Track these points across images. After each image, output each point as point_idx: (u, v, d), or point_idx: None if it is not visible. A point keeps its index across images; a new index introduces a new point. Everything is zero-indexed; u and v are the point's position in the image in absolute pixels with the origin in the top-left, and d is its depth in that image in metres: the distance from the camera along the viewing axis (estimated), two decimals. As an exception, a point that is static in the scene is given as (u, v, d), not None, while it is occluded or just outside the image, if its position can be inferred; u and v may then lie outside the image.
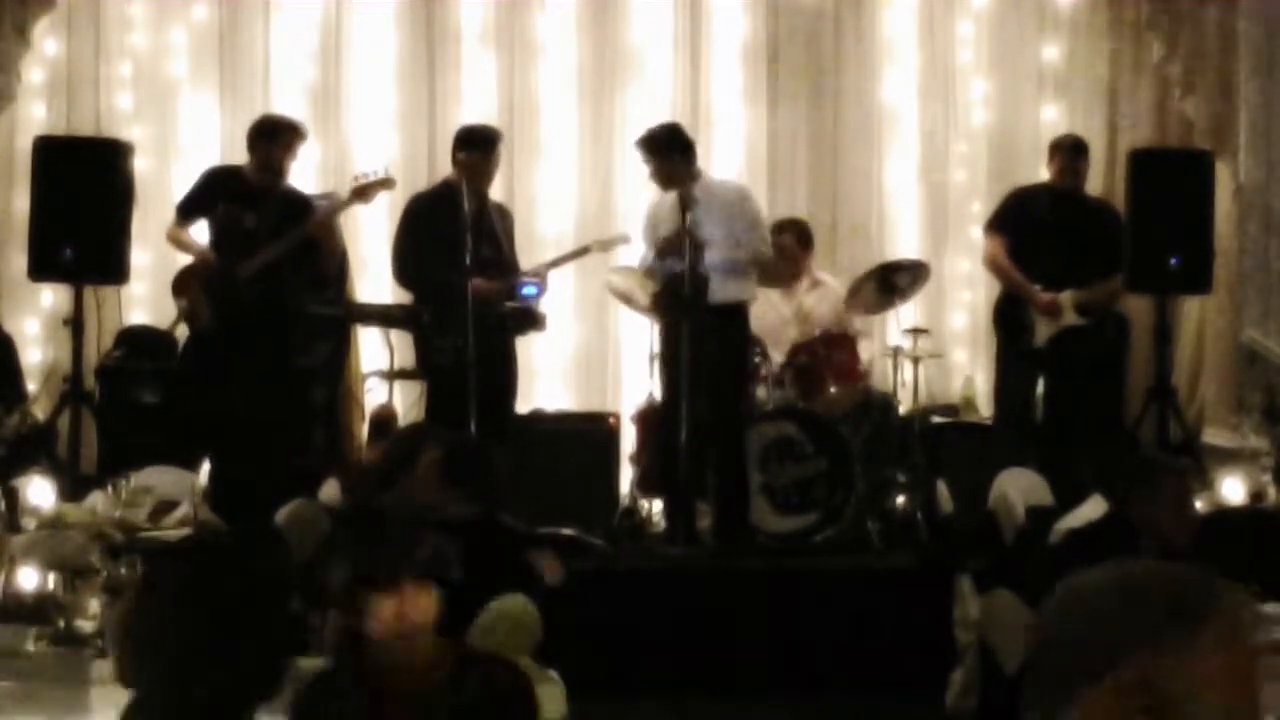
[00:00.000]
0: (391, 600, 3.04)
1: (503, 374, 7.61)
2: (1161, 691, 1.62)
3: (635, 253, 7.90)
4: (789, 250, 8.32)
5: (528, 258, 8.07)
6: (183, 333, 7.92)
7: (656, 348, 7.68)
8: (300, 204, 7.74)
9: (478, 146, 7.56)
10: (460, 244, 7.28)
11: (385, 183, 7.66)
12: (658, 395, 7.68)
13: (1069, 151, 8.14)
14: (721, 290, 7.27)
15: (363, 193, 7.63)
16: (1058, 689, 1.67)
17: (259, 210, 7.56)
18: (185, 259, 7.82)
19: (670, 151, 7.32)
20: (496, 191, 8.06)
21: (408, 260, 7.66)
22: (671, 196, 7.36)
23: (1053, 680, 1.68)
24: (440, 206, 7.46)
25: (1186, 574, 1.72)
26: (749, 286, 7.49)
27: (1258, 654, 1.67)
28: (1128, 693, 1.62)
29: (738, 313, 7.41)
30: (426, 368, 7.78)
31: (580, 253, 8.12)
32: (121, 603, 2.64)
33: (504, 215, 7.85)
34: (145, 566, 2.66)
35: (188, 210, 7.72)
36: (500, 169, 8.87)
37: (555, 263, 8.05)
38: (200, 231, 7.76)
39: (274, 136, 7.60)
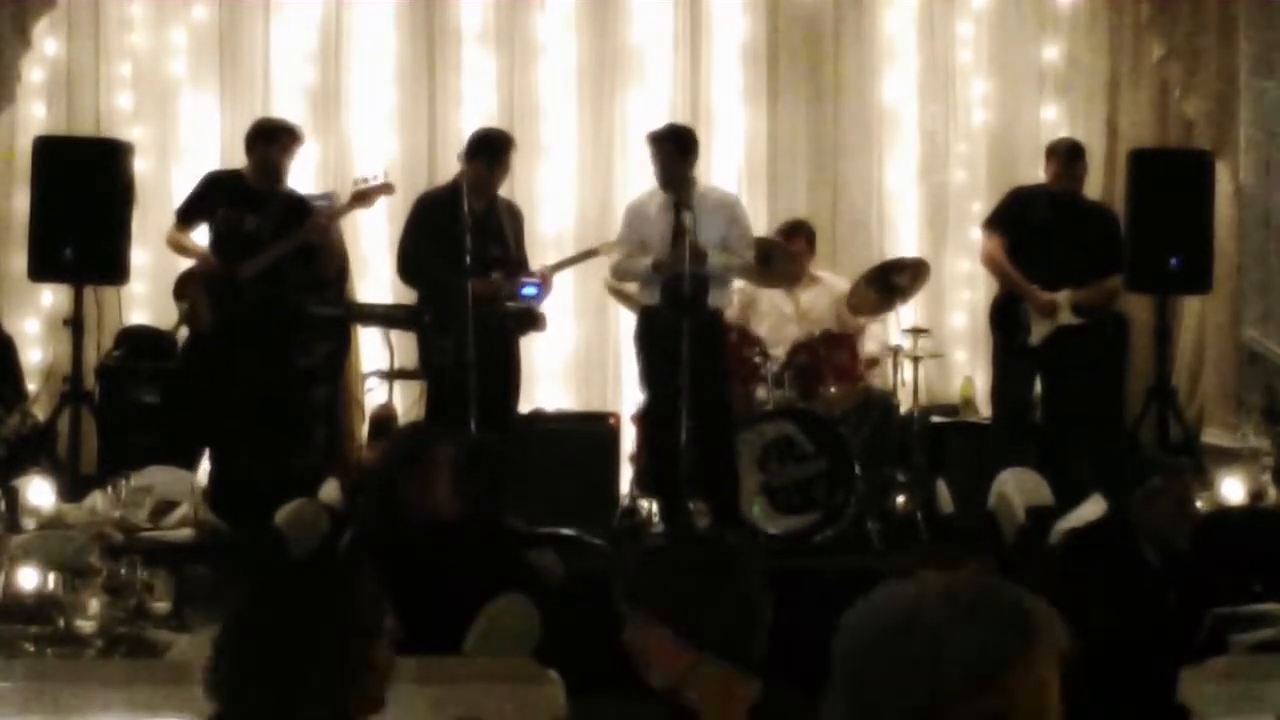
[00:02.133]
0: None
1: (505, 374, 7.61)
2: (1013, 708, 1.58)
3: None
4: (801, 252, 8.39)
5: (529, 258, 8.06)
6: (184, 334, 7.92)
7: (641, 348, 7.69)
8: (300, 207, 7.74)
9: (485, 154, 7.53)
10: (461, 244, 7.28)
11: (385, 188, 7.66)
12: (641, 397, 7.73)
13: (1065, 156, 8.14)
14: (709, 295, 7.37)
15: (363, 197, 7.63)
16: (897, 714, 1.59)
17: (259, 213, 7.56)
18: (184, 260, 7.82)
19: (686, 154, 7.36)
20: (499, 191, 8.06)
21: (411, 258, 7.67)
22: (658, 197, 7.40)
23: (889, 706, 1.59)
24: (446, 206, 7.45)
25: (1008, 588, 1.66)
26: (729, 294, 7.70)
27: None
28: (982, 713, 1.57)
29: (721, 317, 7.59)
30: (428, 368, 7.78)
31: (586, 255, 8.12)
32: (222, 617, 2.63)
33: (513, 213, 7.84)
34: (252, 586, 2.64)
35: (187, 214, 7.72)
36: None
37: (560, 265, 8.06)
38: (200, 235, 7.75)
39: (271, 139, 7.61)
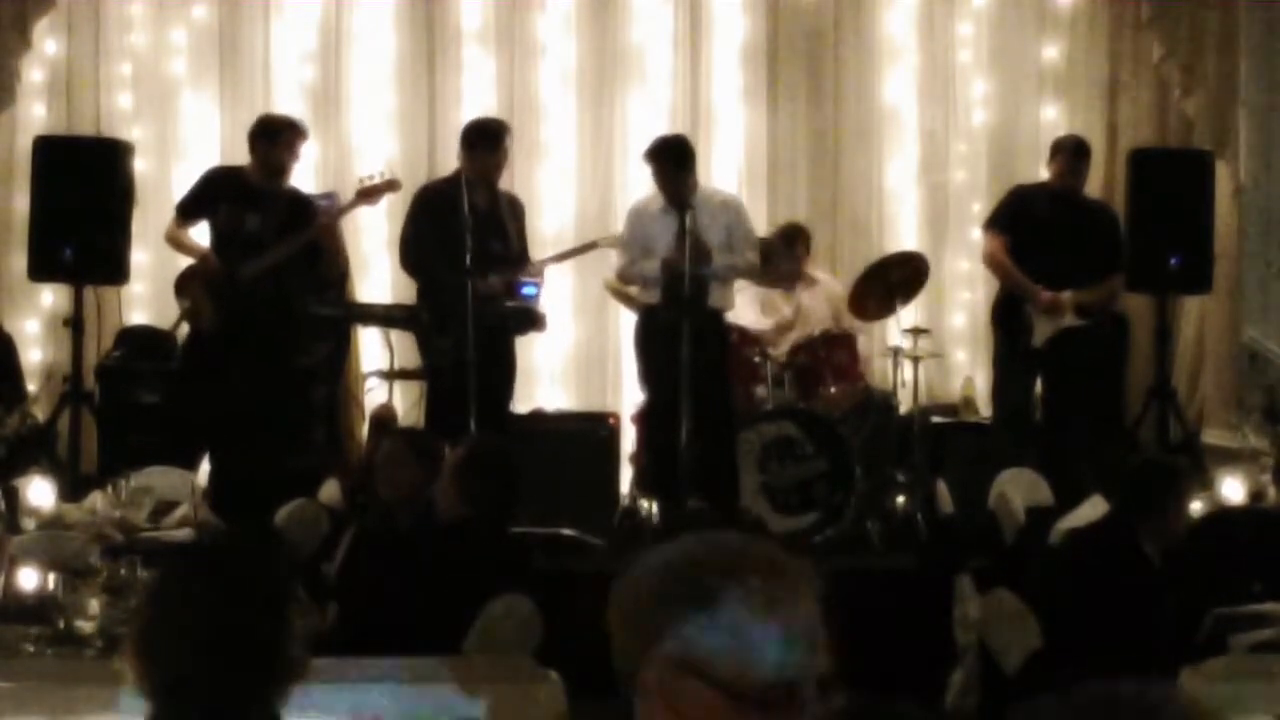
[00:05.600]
0: None
1: (500, 373, 7.59)
2: (696, 663, 1.76)
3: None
4: (800, 255, 8.44)
5: (531, 253, 8.05)
6: (184, 333, 7.92)
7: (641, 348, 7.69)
8: (303, 206, 7.73)
9: (482, 142, 7.52)
10: (461, 241, 7.27)
11: (391, 184, 7.63)
12: (641, 396, 7.72)
13: (1071, 152, 8.13)
14: (711, 297, 7.36)
15: (368, 195, 7.61)
16: (622, 665, 1.83)
17: (261, 212, 7.52)
18: (184, 258, 7.81)
19: (683, 166, 7.33)
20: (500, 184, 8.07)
21: (411, 249, 7.65)
22: (660, 200, 7.39)
23: (619, 656, 1.84)
24: (447, 199, 7.43)
25: (711, 547, 1.84)
26: (731, 294, 7.68)
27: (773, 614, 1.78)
28: (669, 667, 1.77)
29: (722, 318, 7.58)
30: (427, 367, 7.78)
31: (586, 248, 8.09)
32: (132, 613, 2.64)
33: (515, 207, 7.79)
34: (149, 575, 2.67)
35: (187, 210, 7.68)
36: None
37: (559, 257, 8.05)
38: (199, 232, 7.73)
39: (274, 136, 7.57)
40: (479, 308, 7.27)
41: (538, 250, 8.32)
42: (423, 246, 7.55)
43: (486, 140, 7.52)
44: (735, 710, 1.76)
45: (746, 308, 8.28)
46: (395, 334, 8.40)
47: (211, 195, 7.61)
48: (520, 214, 7.82)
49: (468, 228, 7.26)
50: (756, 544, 1.88)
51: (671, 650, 1.77)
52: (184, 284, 7.73)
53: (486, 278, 7.40)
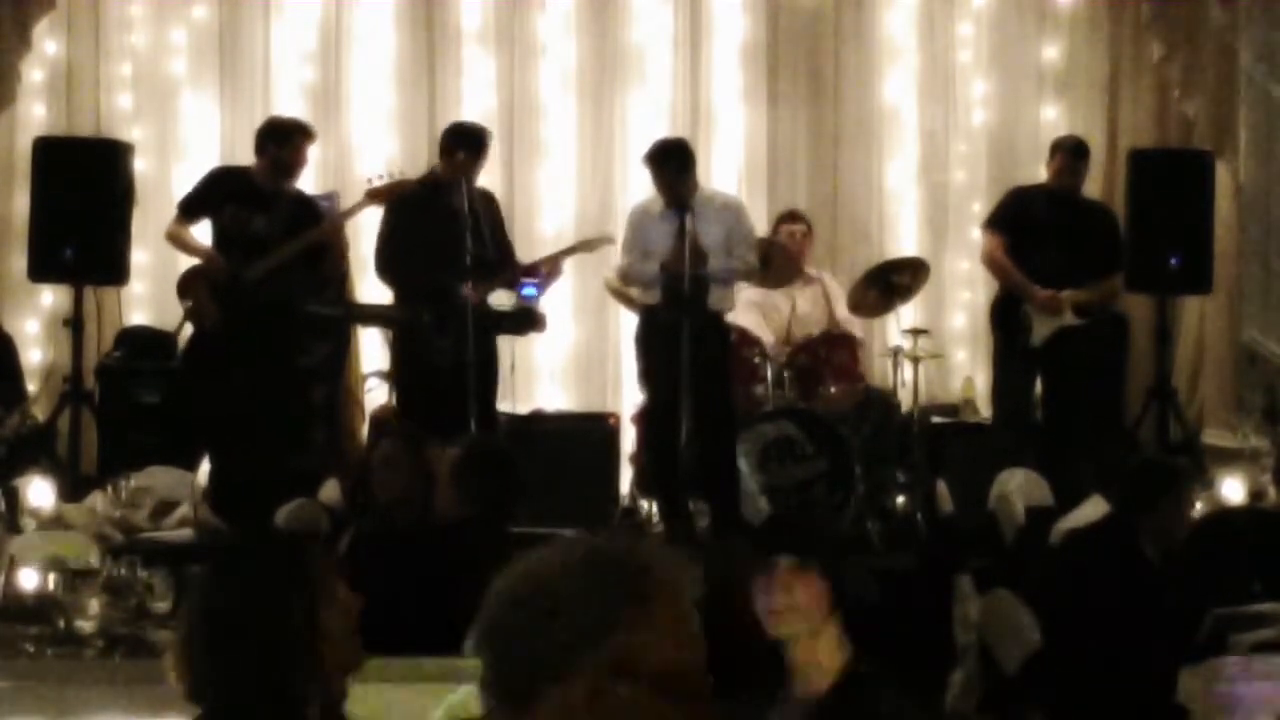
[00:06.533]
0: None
1: (484, 374, 7.53)
2: (634, 664, 1.73)
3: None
4: (798, 243, 8.43)
5: (528, 257, 8.03)
6: (186, 334, 7.90)
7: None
8: (309, 207, 7.73)
9: (467, 147, 7.45)
10: (447, 242, 7.25)
11: (401, 184, 7.54)
12: (641, 396, 7.72)
13: (1071, 153, 8.13)
14: (712, 298, 7.35)
15: (377, 195, 7.56)
16: (518, 686, 1.75)
17: (268, 213, 7.51)
18: (185, 258, 7.80)
19: (683, 169, 7.31)
20: (498, 191, 8.05)
21: (386, 255, 7.57)
22: (660, 202, 7.37)
23: (512, 677, 1.76)
24: (422, 202, 7.40)
25: (628, 549, 1.82)
26: (731, 296, 7.66)
27: (690, 606, 1.79)
28: (603, 675, 1.72)
29: (722, 318, 7.56)
30: (399, 369, 7.72)
31: (566, 253, 8.03)
32: (179, 619, 2.67)
33: (489, 203, 7.69)
34: (193, 584, 2.70)
35: (191, 209, 7.65)
36: (500, 169, 8.86)
37: (548, 261, 7.94)
38: (200, 232, 7.72)
39: (285, 139, 7.54)
40: (462, 311, 7.25)
41: (534, 251, 8.30)
42: (397, 251, 7.51)
43: (470, 145, 7.42)
44: (673, 710, 1.76)
45: (745, 312, 8.27)
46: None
47: (217, 195, 7.58)
48: (495, 209, 7.72)
49: (468, 226, 7.25)
50: (644, 541, 1.94)
51: (608, 653, 1.73)
52: (187, 285, 7.71)
53: (469, 284, 7.36)
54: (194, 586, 2.71)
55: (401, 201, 7.51)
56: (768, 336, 8.24)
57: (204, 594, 2.61)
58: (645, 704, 1.73)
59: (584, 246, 8.01)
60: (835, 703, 3.10)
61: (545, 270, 7.84)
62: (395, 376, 7.85)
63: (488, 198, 7.72)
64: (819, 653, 3.18)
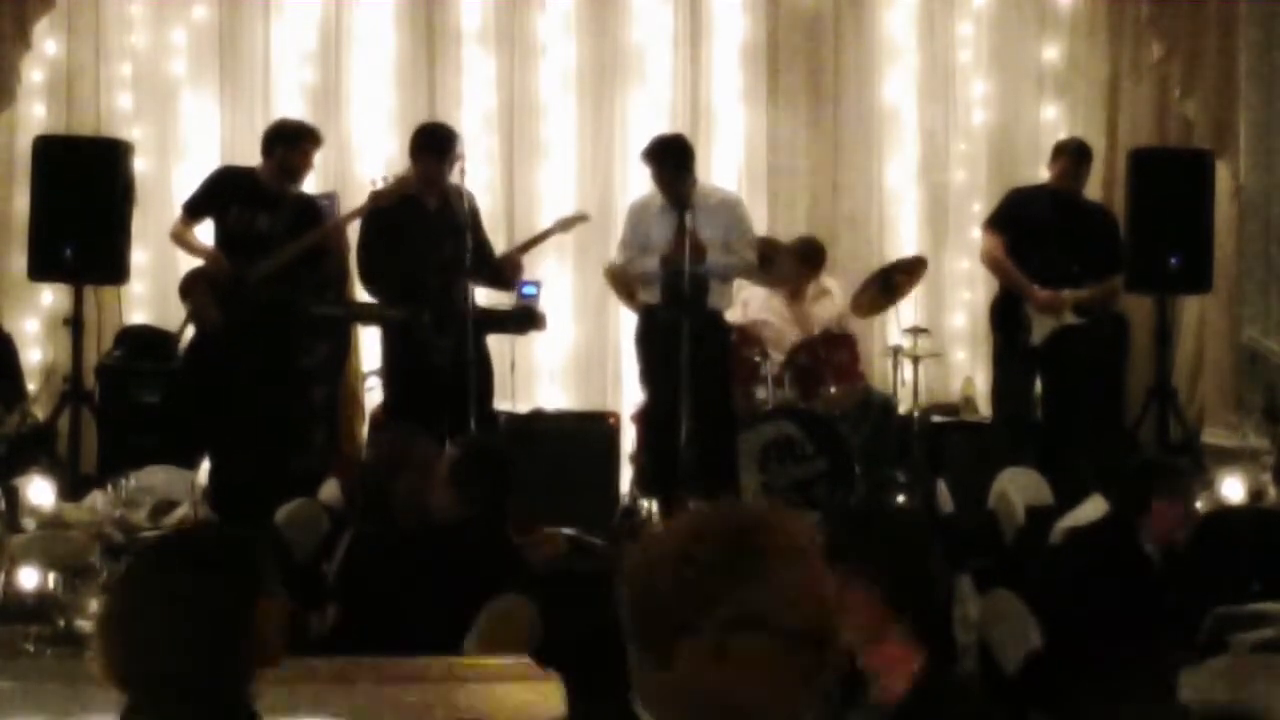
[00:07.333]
0: None
1: (477, 374, 7.51)
2: (756, 619, 1.90)
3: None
4: (817, 266, 8.49)
5: (528, 258, 8.02)
6: (188, 335, 7.89)
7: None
8: (311, 208, 7.73)
9: (434, 149, 7.39)
10: (432, 244, 7.24)
11: (403, 184, 7.53)
12: (641, 396, 7.72)
13: (1073, 156, 8.13)
14: (711, 296, 7.35)
15: (381, 198, 7.53)
16: (656, 639, 1.95)
17: (272, 214, 7.50)
18: (185, 257, 7.80)
19: (682, 166, 7.31)
20: (498, 191, 8.05)
21: (366, 262, 7.55)
22: (660, 198, 7.37)
23: (650, 631, 1.96)
24: (400, 207, 7.38)
25: (747, 513, 1.99)
26: (730, 294, 7.67)
27: (809, 563, 1.95)
28: (727, 629, 1.90)
29: (722, 317, 7.56)
30: (390, 369, 7.71)
31: (544, 236, 7.97)
32: (101, 605, 2.66)
33: (463, 199, 7.56)
34: (120, 568, 2.68)
35: (195, 209, 7.64)
36: (500, 169, 8.85)
37: (524, 248, 7.92)
38: (202, 232, 7.71)
39: (293, 142, 7.53)
40: (449, 311, 7.24)
41: (536, 251, 8.28)
42: (375, 259, 7.48)
43: (437, 148, 7.38)
44: (796, 660, 1.91)
45: (762, 312, 8.29)
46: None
47: (222, 195, 7.57)
48: (473, 205, 7.63)
49: (467, 225, 7.24)
50: (763, 507, 2.06)
51: (731, 609, 1.89)
52: (188, 287, 7.69)
53: (456, 284, 7.34)
54: (128, 576, 2.68)
55: (376, 209, 7.48)
56: (769, 338, 8.25)
57: (140, 584, 2.58)
58: (768, 655, 1.90)
59: (560, 227, 7.94)
60: (912, 707, 2.95)
61: (520, 254, 7.78)
62: (385, 376, 7.83)
63: (462, 196, 7.59)
64: (887, 657, 2.99)
